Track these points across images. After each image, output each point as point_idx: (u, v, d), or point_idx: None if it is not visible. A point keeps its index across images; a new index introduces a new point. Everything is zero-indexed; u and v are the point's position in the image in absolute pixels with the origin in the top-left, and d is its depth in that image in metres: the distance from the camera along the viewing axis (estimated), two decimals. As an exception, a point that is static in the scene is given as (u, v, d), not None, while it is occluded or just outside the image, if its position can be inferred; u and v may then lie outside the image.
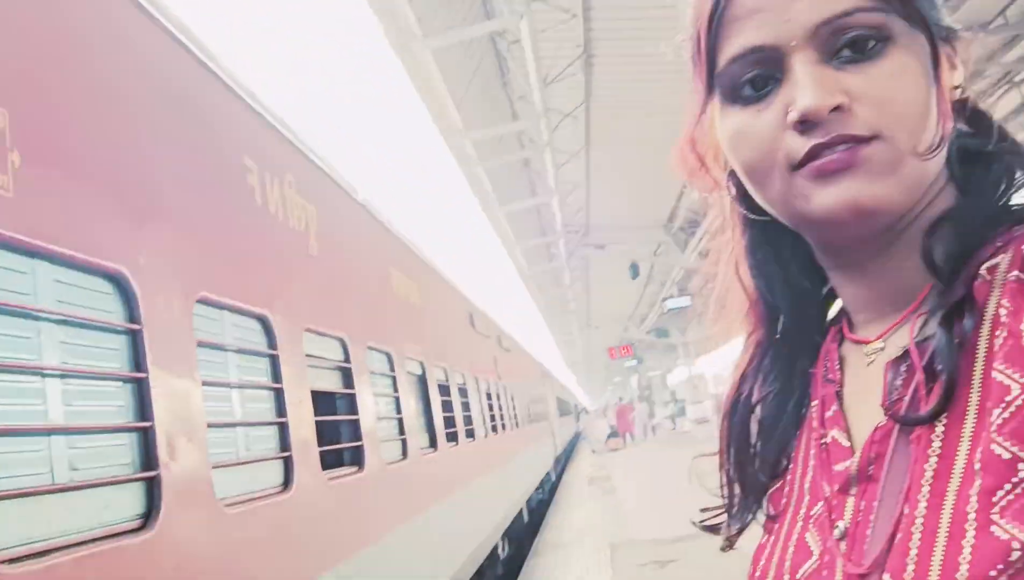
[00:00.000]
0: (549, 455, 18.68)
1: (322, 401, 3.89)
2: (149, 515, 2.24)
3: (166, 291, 2.51)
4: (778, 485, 0.78)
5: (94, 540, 1.98)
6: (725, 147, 0.68)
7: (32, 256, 1.98)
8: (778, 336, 0.81)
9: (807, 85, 0.59)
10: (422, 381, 6.38)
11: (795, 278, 0.79)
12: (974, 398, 0.56)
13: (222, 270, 2.99)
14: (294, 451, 3.32)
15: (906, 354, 0.63)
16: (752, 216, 0.76)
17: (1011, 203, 0.65)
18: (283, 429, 3.31)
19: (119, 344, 2.28)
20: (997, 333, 0.56)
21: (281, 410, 3.32)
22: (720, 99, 0.67)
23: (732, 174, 0.73)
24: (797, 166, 0.61)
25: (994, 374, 0.55)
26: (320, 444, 3.66)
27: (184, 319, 2.60)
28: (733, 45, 0.63)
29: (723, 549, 0.84)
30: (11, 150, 1.89)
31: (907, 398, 0.61)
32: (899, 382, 0.64)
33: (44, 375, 1.99)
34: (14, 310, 1.92)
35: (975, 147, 0.68)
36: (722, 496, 0.84)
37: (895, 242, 0.66)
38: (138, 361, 2.31)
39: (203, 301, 2.78)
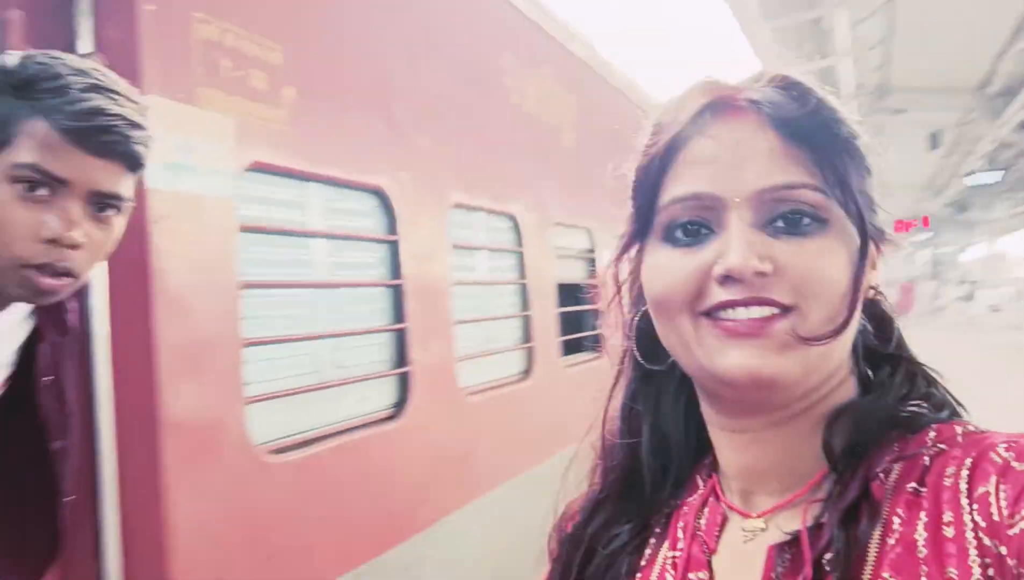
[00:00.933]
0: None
1: (565, 291, 4.07)
2: (400, 405, 2.56)
3: (422, 202, 2.73)
4: None
5: (353, 429, 2.33)
6: (644, 279, 0.69)
7: (306, 181, 2.25)
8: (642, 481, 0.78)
9: (739, 245, 0.61)
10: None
11: (668, 430, 0.78)
12: None
13: (477, 176, 3.17)
14: (536, 342, 3.55)
15: (792, 541, 0.63)
16: (644, 363, 0.76)
17: (907, 410, 0.65)
18: (527, 322, 3.53)
19: (381, 254, 2.56)
20: (888, 540, 0.58)
21: (526, 304, 3.53)
22: (652, 234, 0.68)
23: (642, 316, 0.74)
24: (707, 313, 0.63)
25: None
26: (561, 333, 3.87)
27: (438, 226, 2.82)
28: (679, 187, 0.65)
29: None
30: (286, 85, 2.11)
31: None
32: (781, 570, 0.63)
33: (318, 288, 2.31)
34: (294, 232, 2.22)
35: (879, 348, 0.70)
36: None
37: (790, 422, 0.66)
38: (396, 268, 2.58)
39: (458, 206, 2.99)
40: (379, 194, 2.52)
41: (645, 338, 0.74)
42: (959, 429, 0.62)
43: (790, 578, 0.61)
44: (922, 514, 0.57)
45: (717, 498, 0.73)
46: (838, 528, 0.59)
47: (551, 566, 0.81)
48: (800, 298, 0.61)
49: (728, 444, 0.71)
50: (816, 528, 0.61)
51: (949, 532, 0.55)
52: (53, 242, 1.06)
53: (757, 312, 0.61)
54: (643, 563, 0.75)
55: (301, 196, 2.25)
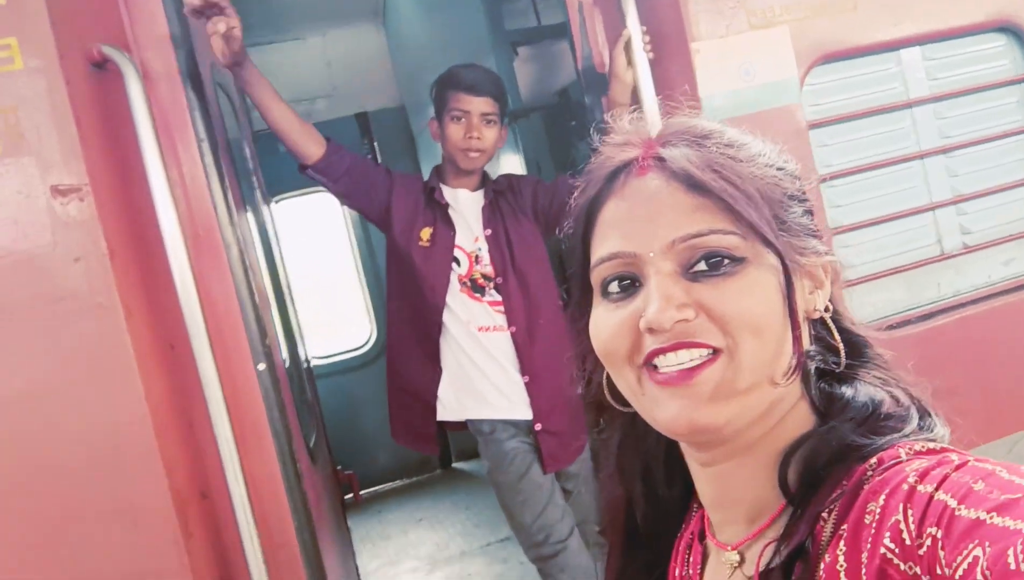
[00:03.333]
0: None
1: None
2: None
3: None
4: None
5: (990, 297, 2.19)
6: (591, 335, 0.71)
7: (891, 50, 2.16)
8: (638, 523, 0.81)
9: (655, 298, 0.64)
10: None
11: (655, 470, 0.80)
12: None
13: None
14: None
15: None
16: (617, 406, 0.75)
17: (859, 439, 0.64)
18: None
19: (1014, 98, 2.23)
20: None
21: None
22: (593, 291, 0.71)
23: None
24: (646, 362, 0.65)
25: None
26: None
27: None
28: (601, 248, 0.69)
29: None
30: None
31: None
32: None
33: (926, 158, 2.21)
34: (864, 113, 2.18)
35: (834, 368, 0.69)
36: None
37: (747, 454, 0.68)
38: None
39: None
40: (1010, 30, 2.19)
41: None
42: (902, 452, 0.61)
43: None
44: (841, 557, 0.58)
45: (702, 533, 0.76)
46: (781, 576, 0.62)
47: None
48: (728, 338, 0.63)
49: (699, 475, 0.73)
50: (773, 570, 0.64)
51: (863, 572, 0.56)
52: (470, 138, 2.23)
53: (686, 355, 0.63)
54: None
55: (888, 67, 2.18)
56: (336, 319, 6.10)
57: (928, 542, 0.52)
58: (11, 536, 1.65)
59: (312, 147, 2.17)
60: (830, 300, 0.72)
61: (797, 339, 0.65)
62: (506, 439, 2.23)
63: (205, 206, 1.89)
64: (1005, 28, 2.19)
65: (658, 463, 0.80)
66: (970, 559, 0.49)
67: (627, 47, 1.97)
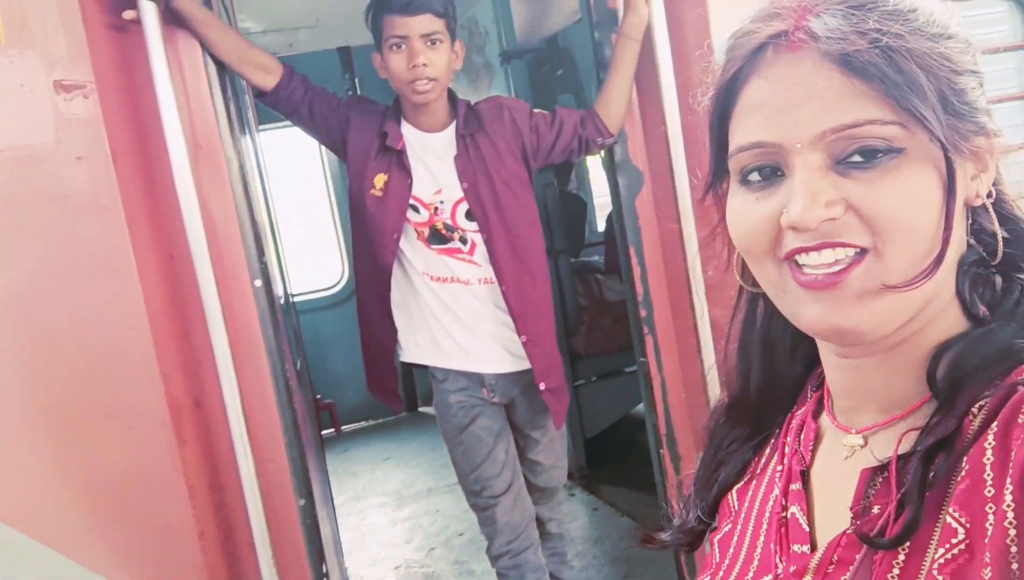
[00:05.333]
0: None
1: None
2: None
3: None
4: (726, 530, 0.77)
5: None
6: (728, 222, 0.67)
7: None
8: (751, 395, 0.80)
9: (801, 195, 0.58)
10: None
11: (778, 353, 0.78)
12: (937, 533, 0.57)
13: None
14: None
15: (884, 467, 0.61)
16: (749, 288, 0.73)
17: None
18: None
19: None
20: (963, 475, 0.57)
21: None
22: (730, 175, 0.66)
23: None
24: (784, 257, 0.62)
25: (948, 518, 0.56)
26: None
27: None
28: (741, 135, 0.62)
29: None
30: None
31: (877, 516, 0.60)
32: (872, 493, 0.62)
33: None
34: None
35: (1006, 262, 0.63)
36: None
37: (891, 353, 0.63)
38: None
39: None
40: (1012, -6, 2.22)
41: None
42: None
43: (880, 501, 0.61)
44: (988, 451, 0.55)
45: (817, 414, 0.74)
46: (920, 463, 0.58)
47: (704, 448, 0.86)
48: (876, 238, 0.58)
49: (833, 365, 0.69)
50: (909, 456, 0.60)
51: (1011, 467, 0.53)
52: (414, 68, 1.96)
53: (830, 255, 0.59)
54: (758, 470, 0.78)
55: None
56: (309, 257, 6.05)
57: None
58: (5, 433, 1.64)
59: (266, 77, 1.99)
60: (995, 181, 0.64)
61: (946, 240, 0.59)
62: (453, 390, 2.19)
63: (208, 118, 1.86)
64: (1006, -7, 2.22)
65: (783, 343, 0.77)
66: None
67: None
